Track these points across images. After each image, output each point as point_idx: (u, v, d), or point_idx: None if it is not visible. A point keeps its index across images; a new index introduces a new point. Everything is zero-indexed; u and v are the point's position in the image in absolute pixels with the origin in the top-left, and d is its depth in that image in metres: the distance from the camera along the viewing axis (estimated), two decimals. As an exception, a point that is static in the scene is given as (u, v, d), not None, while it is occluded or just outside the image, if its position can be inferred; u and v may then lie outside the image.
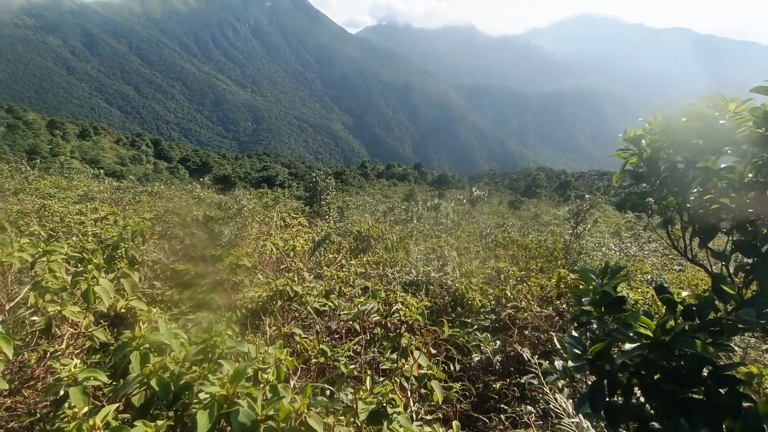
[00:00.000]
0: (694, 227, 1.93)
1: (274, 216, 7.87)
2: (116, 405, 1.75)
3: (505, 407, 3.22)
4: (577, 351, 1.31)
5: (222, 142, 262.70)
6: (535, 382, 3.33)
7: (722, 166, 1.91)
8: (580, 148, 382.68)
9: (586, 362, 1.26)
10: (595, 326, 1.36)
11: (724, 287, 1.27)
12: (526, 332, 3.99)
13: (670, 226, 2.20)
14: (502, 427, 3.04)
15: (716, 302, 1.27)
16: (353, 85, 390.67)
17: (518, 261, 7.84)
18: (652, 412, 1.15)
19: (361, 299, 3.10)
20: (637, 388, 1.18)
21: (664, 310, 1.43)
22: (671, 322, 1.10)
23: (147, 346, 2.15)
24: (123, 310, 2.64)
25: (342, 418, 1.87)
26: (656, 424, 1.10)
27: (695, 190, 1.91)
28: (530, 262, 7.53)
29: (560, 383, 3.09)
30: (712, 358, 1.06)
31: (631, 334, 1.12)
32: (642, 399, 1.23)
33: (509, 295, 4.27)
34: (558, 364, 1.84)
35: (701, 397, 1.07)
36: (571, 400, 2.59)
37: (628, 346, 1.11)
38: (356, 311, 2.86)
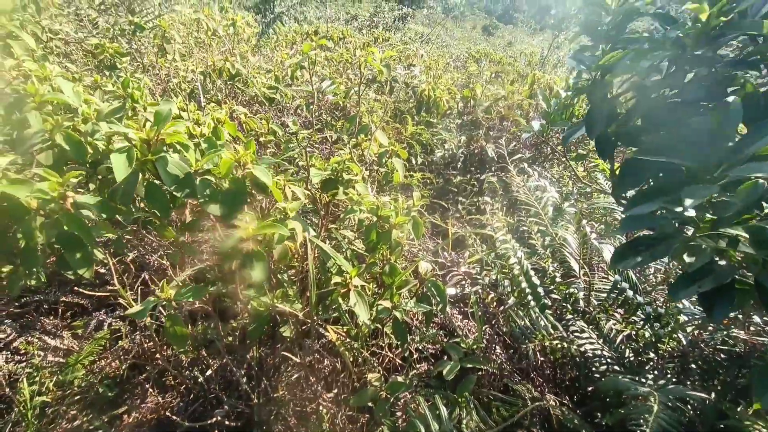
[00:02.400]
0: None
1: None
2: (13, 156, 1.45)
3: (464, 199, 3.28)
4: (582, 68, 1.07)
5: None
6: (494, 179, 3.34)
7: None
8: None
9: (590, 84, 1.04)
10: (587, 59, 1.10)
11: None
12: (492, 133, 3.86)
13: None
14: (458, 215, 3.13)
15: None
16: None
17: (490, 75, 7.39)
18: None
19: (316, 78, 2.71)
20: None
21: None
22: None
23: (50, 108, 1.77)
24: (14, 74, 2.13)
25: (292, 179, 1.69)
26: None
27: None
28: (503, 77, 7.11)
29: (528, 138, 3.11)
30: None
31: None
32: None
33: (479, 95, 3.98)
34: (535, 124, 1.65)
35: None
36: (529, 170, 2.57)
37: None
38: (310, 89, 2.50)
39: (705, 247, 0.77)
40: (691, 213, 0.78)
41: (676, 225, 0.83)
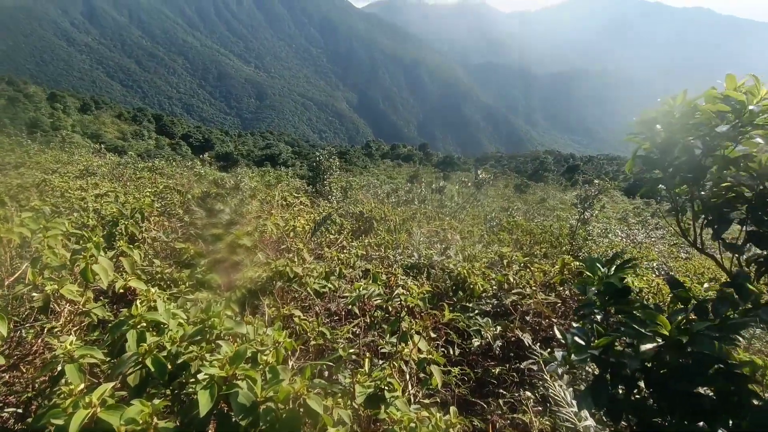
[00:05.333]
0: (707, 217, 1.88)
1: (275, 195, 7.86)
2: (113, 383, 1.75)
3: (504, 392, 3.25)
4: (580, 342, 1.28)
5: (225, 119, 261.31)
6: (535, 368, 3.34)
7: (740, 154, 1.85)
8: (590, 131, 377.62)
9: (590, 356, 1.24)
10: (599, 317, 1.34)
11: (747, 284, 1.23)
12: (528, 318, 3.99)
13: (680, 214, 2.15)
14: (500, 412, 3.07)
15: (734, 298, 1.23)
16: (358, 61, 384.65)
17: (522, 246, 7.82)
18: (655, 406, 1.14)
19: (362, 282, 3.09)
20: (641, 383, 1.16)
21: (670, 300, 1.39)
22: (682, 320, 1.07)
23: (144, 325, 2.16)
24: (122, 290, 2.65)
25: (340, 400, 1.87)
26: (659, 420, 1.08)
27: (710, 178, 1.85)
28: (534, 248, 7.50)
29: (560, 370, 3.09)
30: (723, 356, 1.03)
31: (646, 332, 1.09)
32: (644, 393, 1.21)
33: (512, 280, 4.25)
34: (558, 354, 1.82)
35: (710, 393, 1.05)
36: (571, 388, 2.59)
37: (644, 347, 1.08)
38: (357, 294, 2.85)
39: None
40: None
41: None
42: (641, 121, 1.89)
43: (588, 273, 1.46)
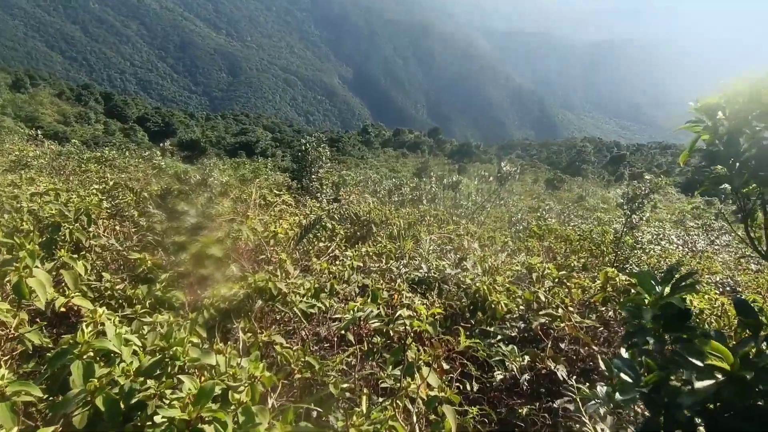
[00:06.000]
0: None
1: (252, 192, 7.88)
2: (54, 428, 1.77)
3: (534, 437, 3.25)
4: (627, 378, 1.29)
5: (190, 98, 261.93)
6: (571, 407, 3.35)
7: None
8: (638, 114, 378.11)
9: (638, 394, 1.25)
10: (652, 345, 1.34)
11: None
12: (562, 345, 3.99)
13: (749, 219, 2.16)
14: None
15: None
16: (354, 27, 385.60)
17: (556, 255, 7.83)
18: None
19: (359, 301, 3.10)
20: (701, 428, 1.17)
21: (738, 325, 1.40)
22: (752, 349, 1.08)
23: (91, 354, 2.17)
24: (63, 309, 2.66)
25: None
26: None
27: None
28: (571, 258, 7.52)
29: (602, 410, 3.10)
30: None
31: (702, 365, 1.09)
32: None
33: (543, 299, 4.26)
34: (600, 389, 1.83)
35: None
36: (615, 433, 2.59)
37: (700, 384, 1.08)
38: (352, 316, 2.86)
39: None
40: None
41: None
42: (701, 107, 1.90)
43: (640, 291, 1.47)
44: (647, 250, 8.83)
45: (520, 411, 3.39)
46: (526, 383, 3.60)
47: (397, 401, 2.31)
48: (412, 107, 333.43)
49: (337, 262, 4.50)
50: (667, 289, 1.37)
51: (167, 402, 1.79)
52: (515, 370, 3.55)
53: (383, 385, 2.75)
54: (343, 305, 3.78)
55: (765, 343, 1.20)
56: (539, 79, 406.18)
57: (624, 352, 1.46)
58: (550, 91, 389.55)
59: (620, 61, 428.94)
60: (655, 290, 1.38)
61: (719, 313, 4.36)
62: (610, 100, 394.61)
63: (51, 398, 2.13)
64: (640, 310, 1.36)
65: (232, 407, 1.86)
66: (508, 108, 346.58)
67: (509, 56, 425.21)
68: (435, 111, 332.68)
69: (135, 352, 2.25)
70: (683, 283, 1.36)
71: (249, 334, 2.82)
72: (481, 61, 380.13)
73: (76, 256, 3.35)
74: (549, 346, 3.89)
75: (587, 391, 3.19)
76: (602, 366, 3.52)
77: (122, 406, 1.96)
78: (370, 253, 5.12)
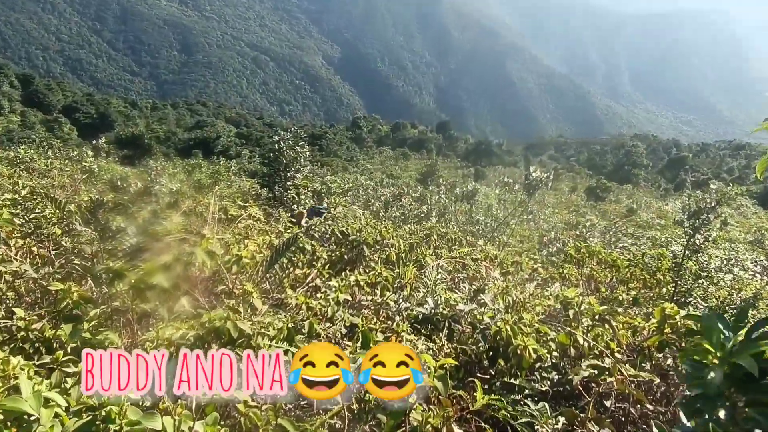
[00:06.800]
0: None
1: (210, 203, 7.88)
2: None
3: None
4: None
5: (131, 82, 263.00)
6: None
7: None
8: (703, 104, 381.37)
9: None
10: (722, 411, 1.33)
11: None
12: (608, 404, 3.97)
13: None
14: None
15: None
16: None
17: (599, 286, 7.83)
18: None
19: (347, 345, 3.10)
20: None
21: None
22: None
23: (0, 417, 2.15)
24: (-38, 356, 2.63)
25: None
26: None
27: None
28: (618, 289, 7.52)
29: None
30: None
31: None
32: None
33: (582, 342, 4.25)
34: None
35: None
36: None
37: None
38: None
39: None
40: None
41: None
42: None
43: (704, 341, 1.46)
44: (715, 280, 8.84)
45: (553, 490, 3.36)
46: (561, 453, 3.58)
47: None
48: (416, 94, 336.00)
49: (319, 295, 4.48)
50: (741, 337, 1.36)
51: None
52: (548, 437, 3.53)
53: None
54: (325, 351, 3.76)
55: None
56: (577, 60, 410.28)
57: (685, 419, 1.44)
58: (589, 76, 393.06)
59: (682, 39, 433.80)
60: (725, 339, 1.37)
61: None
62: (666, 85, 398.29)
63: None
64: (706, 367, 1.35)
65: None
66: (538, 96, 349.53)
67: (539, 32, 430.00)
68: (445, 99, 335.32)
69: (57, 415, 2.23)
70: (762, 329, 1.35)
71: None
72: (505, 38, 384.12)
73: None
74: (591, 404, 3.87)
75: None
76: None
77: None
78: (361, 283, 5.11)
